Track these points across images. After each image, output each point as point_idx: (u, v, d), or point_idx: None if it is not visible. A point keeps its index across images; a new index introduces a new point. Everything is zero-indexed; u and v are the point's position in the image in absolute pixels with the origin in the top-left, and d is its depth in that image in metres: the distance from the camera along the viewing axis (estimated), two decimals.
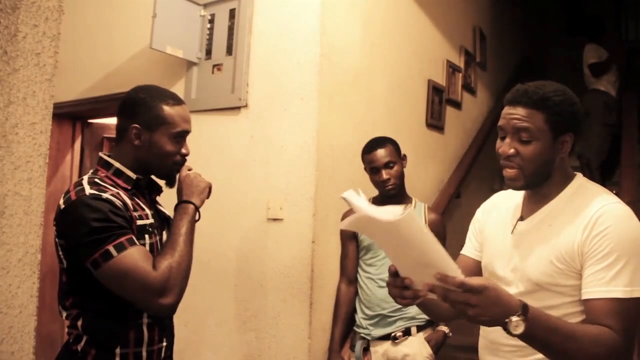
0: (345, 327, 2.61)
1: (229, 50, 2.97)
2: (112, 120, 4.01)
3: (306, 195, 2.66)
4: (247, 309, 2.79)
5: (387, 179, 2.49)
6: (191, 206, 1.66)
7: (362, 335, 2.52)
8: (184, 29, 3.02)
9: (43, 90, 1.01)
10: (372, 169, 2.53)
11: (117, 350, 1.49)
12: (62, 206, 1.46)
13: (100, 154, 1.68)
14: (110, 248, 1.39)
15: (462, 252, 1.70)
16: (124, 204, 1.50)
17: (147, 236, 1.56)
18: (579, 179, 1.50)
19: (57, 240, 1.49)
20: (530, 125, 1.40)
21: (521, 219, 1.52)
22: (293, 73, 2.78)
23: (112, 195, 1.48)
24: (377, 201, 2.62)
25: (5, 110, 0.95)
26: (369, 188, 2.61)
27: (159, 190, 1.77)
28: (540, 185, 1.47)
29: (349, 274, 2.62)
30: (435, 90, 3.96)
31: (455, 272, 1.15)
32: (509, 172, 1.45)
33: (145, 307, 1.50)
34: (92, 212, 1.41)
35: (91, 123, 4.09)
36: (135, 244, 1.45)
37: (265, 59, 2.88)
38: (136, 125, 1.61)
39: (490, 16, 5.35)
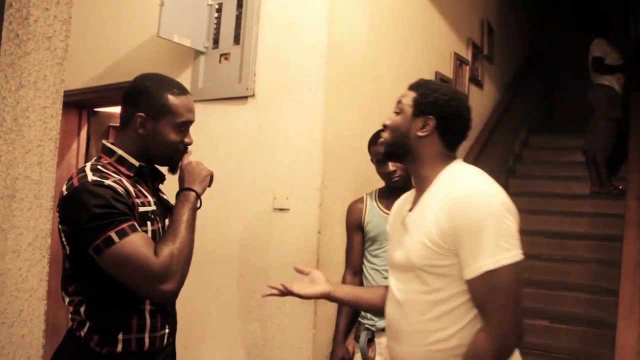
0: (350, 318, 2.61)
1: (237, 40, 2.97)
2: (119, 109, 4.00)
3: (312, 186, 2.66)
4: (252, 299, 2.80)
5: (393, 170, 2.48)
6: (193, 193, 1.66)
7: (366, 326, 2.52)
8: (192, 17, 3.01)
9: (54, 74, 1.00)
10: (379, 161, 2.52)
11: (120, 336, 1.49)
12: (65, 192, 1.46)
13: (104, 141, 1.67)
14: (112, 234, 1.39)
15: None
16: (126, 190, 1.51)
17: (149, 223, 1.56)
18: (456, 164, 1.63)
19: (60, 226, 1.49)
20: (403, 100, 1.65)
21: (410, 210, 1.66)
22: (300, 63, 2.77)
23: (114, 182, 1.48)
24: (384, 193, 2.62)
25: (17, 93, 0.95)
26: (376, 179, 2.61)
27: (161, 178, 1.78)
28: (412, 165, 1.66)
29: (355, 265, 2.62)
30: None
31: None
32: (381, 141, 1.72)
33: (147, 294, 1.50)
34: (94, 199, 1.41)
35: (97, 112, 4.09)
36: (137, 230, 1.45)
37: (273, 49, 2.87)
38: (141, 114, 1.60)
39: (498, 9, 5.33)
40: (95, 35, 3.72)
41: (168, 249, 1.48)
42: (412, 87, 1.68)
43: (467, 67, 4.44)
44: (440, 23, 4.01)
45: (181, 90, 1.67)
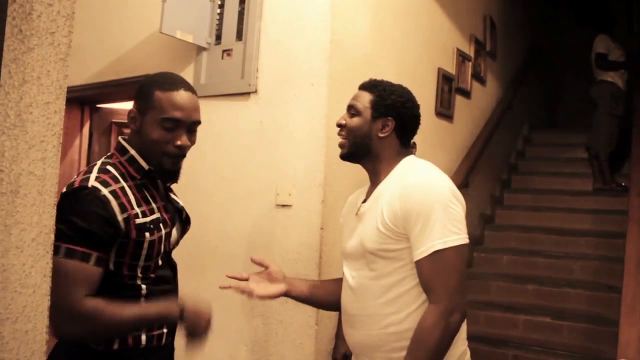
0: None
1: (239, 36, 2.96)
2: (121, 105, 4.01)
3: (315, 182, 2.65)
4: None
5: None
6: (177, 316, 1.57)
7: None
8: (194, 13, 3.01)
9: (57, 70, 1.00)
10: None
11: None
12: (64, 189, 1.44)
13: (120, 138, 1.63)
14: (62, 247, 1.34)
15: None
16: (122, 204, 1.44)
17: (147, 234, 1.50)
18: (408, 158, 1.73)
19: None
20: (358, 103, 1.73)
21: (364, 201, 1.75)
22: (303, 59, 2.76)
23: (113, 191, 1.44)
24: None
25: (20, 89, 0.95)
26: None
27: (172, 179, 1.68)
28: (370, 163, 1.74)
29: None
30: (445, 79, 3.94)
31: None
32: (340, 142, 1.77)
33: (51, 321, 1.28)
34: (79, 207, 1.36)
35: (100, 108, 4.09)
36: (87, 260, 1.37)
37: (276, 45, 2.86)
38: (133, 109, 1.58)
39: (501, 5, 5.31)
40: (97, 32, 3.71)
41: (101, 307, 1.39)
42: (366, 88, 1.76)
43: (470, 64, 4.43)
44: (443, 19, 4.00)
45: (173, 85, 1.55)
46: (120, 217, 1.43)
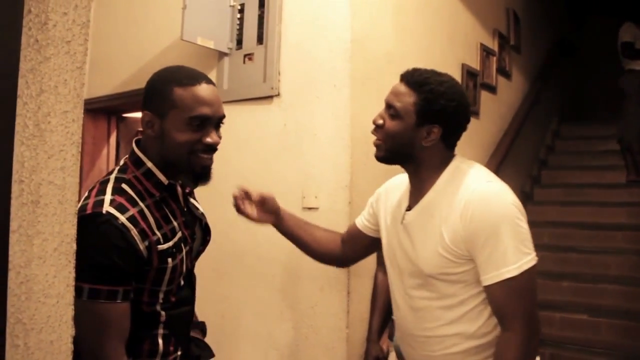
0: (383, 317, 2.57)
1: (260, 40, 2.96)
2: None
3: (341, 184, 2.63)
4: (284, 299, 2.78)
5: None
6: None
7: None
8: (214, 19, 3.01)
9: (74, 79, 0.99)
10: None
11: None
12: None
13: (134, 145, 1.47)
14: (85, 288, 1.22)
15: (355, 220, 1.87)
16: (142, 231, 1.31)
17: (169, 259, 1.38)
18: (455, 161, 1.56)
19: None
20: (399, 103, 1.49)
21: (408, 208, 1.58)
22: (325, 60, 2.74)
23: (131, 217, 1.30)
24: None
25: (38, 99, 0.94)
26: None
27: (204, 180, 1.52)
28: (412, 167, 1.56)
29: None
30: (469, 75, 3.88)
31: None
32: (375, 142, 1.57)
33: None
34: (96, 240, 1.19)
35: (126, 117, 4.14)
36: (115, 299, 1.26)
37: (296, 47, 2.85)
38: (147, 112, 1.40)
39: None
40: (120, 42, 3.75)
41: None
42: (409, 84, 1.51)
43: (494, 58, 4.36)
44: (466, 14, 3.95)
45: (193, 79, 1.38)
46: (141, 246, 1.31)
